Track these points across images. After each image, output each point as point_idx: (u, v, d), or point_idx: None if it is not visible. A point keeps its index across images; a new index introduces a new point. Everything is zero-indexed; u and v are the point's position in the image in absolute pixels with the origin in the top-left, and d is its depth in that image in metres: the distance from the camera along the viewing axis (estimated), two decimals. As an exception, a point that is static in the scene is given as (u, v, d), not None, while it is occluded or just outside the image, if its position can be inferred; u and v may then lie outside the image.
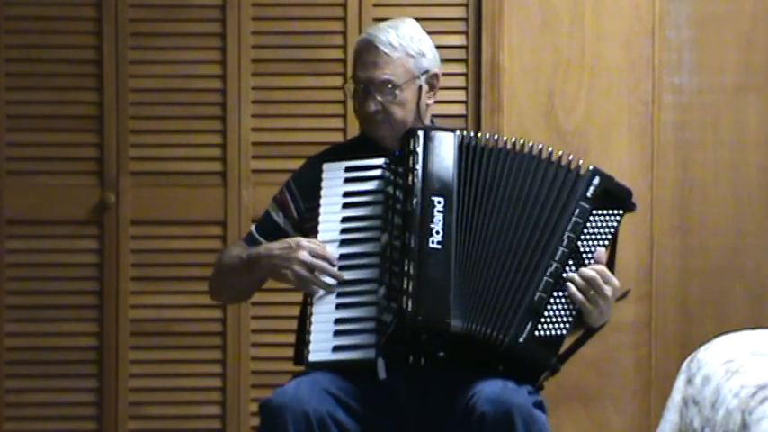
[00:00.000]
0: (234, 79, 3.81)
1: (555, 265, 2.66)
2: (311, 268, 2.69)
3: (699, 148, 3.86)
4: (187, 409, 3.83)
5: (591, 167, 2.74)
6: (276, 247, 2.76)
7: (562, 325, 2.65)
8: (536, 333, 2.63)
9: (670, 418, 3.10)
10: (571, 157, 2.75)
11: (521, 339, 2.62)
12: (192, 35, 3.84)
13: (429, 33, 2.78)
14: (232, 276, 2.87)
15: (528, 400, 2.58)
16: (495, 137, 2.77)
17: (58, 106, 3.83)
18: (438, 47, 2.92)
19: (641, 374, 3.85)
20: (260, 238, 2.89)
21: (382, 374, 2.63)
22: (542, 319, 2.64)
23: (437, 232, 2.65)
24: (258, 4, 3.82)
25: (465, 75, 3.80)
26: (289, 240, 2.75)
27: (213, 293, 3.02)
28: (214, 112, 3.83)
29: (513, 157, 2.74)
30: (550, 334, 2.64)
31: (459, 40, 3.80)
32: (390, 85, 2.82)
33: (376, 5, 3.80)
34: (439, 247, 2.64)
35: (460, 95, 3.80)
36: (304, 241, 2.73)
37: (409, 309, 2.58)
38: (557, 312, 2.65)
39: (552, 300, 2.65)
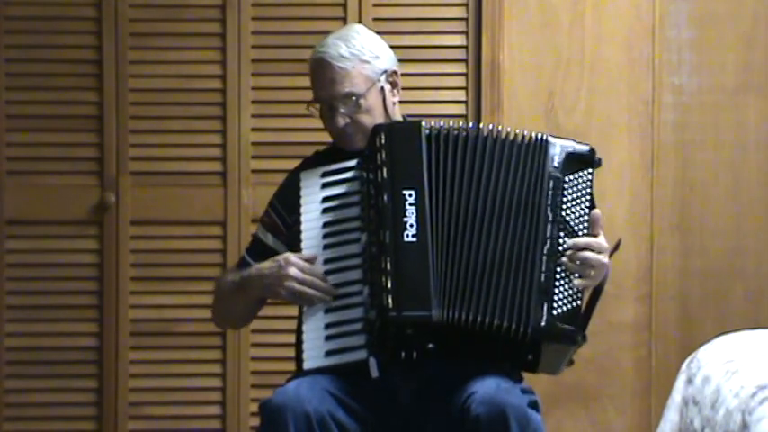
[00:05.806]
0: (234, 79, 3.81)
1: (549, 242, 2.65)
2: (302, 282, 2.70)
3: (699, 148, 3.86)
4: (187, 409, 3.83)
5: (543, 137, 2.71)
6: (266, 266, 2.77)
7: (574, 296, 2.64)
8: (554, 312, 2.62)
9: (670, 417, 3.10)
10: (526, 132, 2.71)
11: (542, 323, 2.60)
12: (192, 35, 3.84)
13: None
14: (230, 301, 2.88)
15: (522, 401, 2.57)
16: (462, 124, 2.74)
17: (58, 106, 3.83)
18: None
19: (641, 374, 3.84)
20: (252, 262, 2.88)
21: (374, 373, 2.62)
22: (555, 297, 2.62)
23: (411, 225, 2.63)
24: (258, 4, 3.82)
25: (465, 75, 3.80)
26: (278, 258, 2.75)
27: (216, 320, 3.05)
28: (214, 112, 3.83)
29: (479, 143, 2.70)
30: (567, 308, 2.63)
31: (459, 40, 3.80)
32: (354, 97, 2.80)
33: (376, 5, 3.80)
34: (414, 240, 2.62)
35: (460, 95, 3.79)
36: (292, 257, 2.73)
37: (390, 305, 2.58)
38: (565, 286, 2.64)
39: (557, 276, 2.64)
